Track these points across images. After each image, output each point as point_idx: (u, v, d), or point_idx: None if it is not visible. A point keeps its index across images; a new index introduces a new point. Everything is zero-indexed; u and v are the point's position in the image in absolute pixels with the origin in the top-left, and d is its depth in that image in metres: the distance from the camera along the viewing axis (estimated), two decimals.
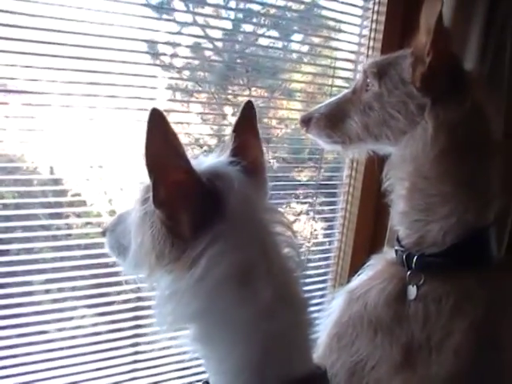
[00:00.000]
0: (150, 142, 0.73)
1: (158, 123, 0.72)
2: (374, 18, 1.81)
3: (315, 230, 1.99)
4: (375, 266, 1.31)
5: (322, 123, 1.35)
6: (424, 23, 1.13)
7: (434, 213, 1.17)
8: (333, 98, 1.40)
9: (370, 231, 1.71)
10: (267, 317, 0.76)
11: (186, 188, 0.76)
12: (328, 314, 1.32)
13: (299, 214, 2.03)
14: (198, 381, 1.66)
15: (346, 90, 1.39)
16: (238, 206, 0.79)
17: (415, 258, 1.19)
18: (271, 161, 1.92)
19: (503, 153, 1.24)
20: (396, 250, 1.26)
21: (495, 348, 1.16)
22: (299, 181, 2.00)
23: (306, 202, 1.99)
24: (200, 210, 0.77)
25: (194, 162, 0.79)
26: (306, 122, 1.37)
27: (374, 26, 1.81)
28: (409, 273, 1.20)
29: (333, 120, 1.34)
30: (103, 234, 1.01)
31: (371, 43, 1.82)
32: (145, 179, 0.81)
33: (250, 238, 0.80)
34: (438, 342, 1.13)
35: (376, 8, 1.80)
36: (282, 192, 1.85)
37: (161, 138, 0.73)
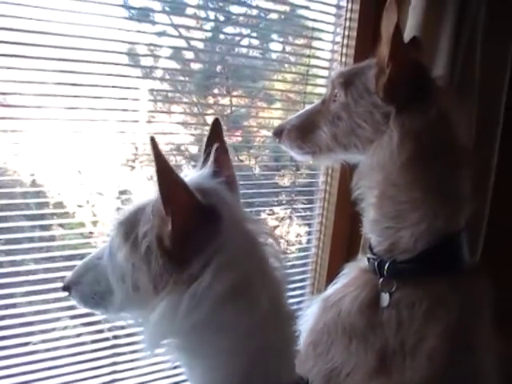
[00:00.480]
0: (161, 173, 0.73)
1: (161, 153, 0.72)
2: (347, 24, 1.82)
3: (298, 235, 2.00)
4: (349, 274, 1.32)
5: (293, 135, 1.37)
6: (384, 34, 1.15)
7: (405, 220, 1.18)
8: (303, 110, 1.42)
9: (346, 237, 1.72)
10: (263, 327, 0.78)
11: (193, 212, 0.76)
12: (303, 321, 1.33)
13: (282, 219, 2.04)
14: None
15: (316, 101, 1.41)
16: (231, 219, 0.80)
17: (387, 265, 1.21)
18: (253, 166, 1.94)
19: (472, 158, 1.26)
20: (368, 258, 1.27)
21: (469, 352, 1.17)
22: (281, 186, 2.00)
23: (285, 208, 1.99)
24: (203, 230, 0.77)
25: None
26: (278, 133, 1.39)
27: (347, 32, 1.82)
28: (381, 280, 1.21)
29: (303, 131, 1.36)
30: (67, 289, 0.95)
31: (344, 50, 1.83)
32: (115, 217, 0.82)
33: (244, 250, 0.81)
34: (411, 348, 1.14)
35: (348, 15, 1.81)
36: (261, 199, 1.86)
37: (168, 166, 0.73)
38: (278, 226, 2.00)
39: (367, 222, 1.28)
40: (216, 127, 0.95)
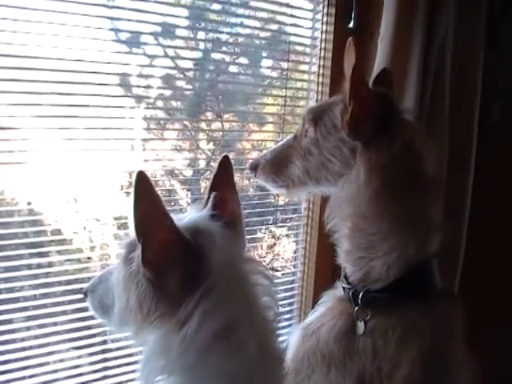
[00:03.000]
0: (137, 205, 0.77)
1: (144, 186, 0.76)
2: (322, 54, 1.87)
3: (294, 256, 2.05)
4: (326, 303, 1.36)
5: (267, 169, 1.42)
6: (346, 73, 1.20)
7: (376, 250, 1.23)
8: (277, 145, 1.47)
9: (330, 262, 1.74)
10: (249, 369, 0.81)
11: (173, 247, 0.80)
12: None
13: (278, 238, 2.09)
14: None
15: (288, 137, 1.46)
16: (221, 260, 0.83)
17: (361, 294, 1.25)
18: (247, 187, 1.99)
19: (441, 187, 1.31)
20: (343, 287, 1.31)
21: (442, 375, 1.22)
22: (275, 206, 2.03)
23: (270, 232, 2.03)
24: (186, 267, 0.81)
25: (176, 219, 0.83)
26: (254, 168, 1.44)
27: (321, 62, 1.87)
28: (356, 309, 1.25)
29: (277, 166, 1.41)
30: (85, 295, 1.03)
31: (320, 79, 1.88)
32: (125, 237, 0.85)
33: (234, 291, 0.84)
34: (387, 373, 1.18)
35: (323, 45, 1.87)
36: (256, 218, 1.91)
37: (148, 201, 0.77)
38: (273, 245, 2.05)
39: (341, 252, 1.32)
40: (224, 163, 0.97)
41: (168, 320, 0.81)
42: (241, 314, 0.83)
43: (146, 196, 0.77)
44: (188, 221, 0.88)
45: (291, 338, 1.36)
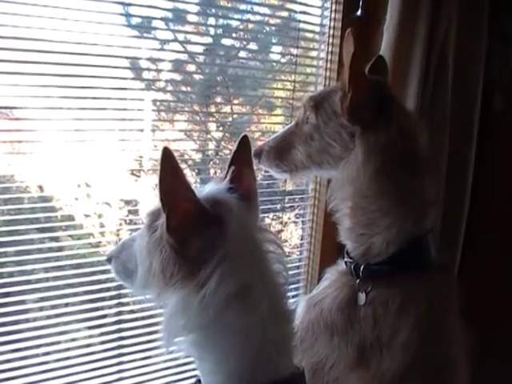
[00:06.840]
0: (163, 179, 0.84)
1: (169, 161, 0.83)
2: (330, 41, 1.93)
3: (301, 235, 2.12)
4: (330, 277, 1.45)
5: (271, 156, 1.49)
6: (345, 62, 1.26)
7: (376, 226, 1.31)
8: (279, 132, 1.54)
9: (335, 241, 1.81)
10: (262, 327, 0.89)
11: (194, 216, 0.87)
12: None
13: (286, 224, 2.16)
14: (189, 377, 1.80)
15: (290, 124, 1.53)
16: (237, 228, 0.90)
17: (362, 267, 1.33)
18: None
19: (434, 165, 1.38)
20: (345, 262, 1.39)
21: (439, 342, 1.30)
22: (284, 192, 2.07)
23: (278, 215, 2.11)
24: (205, 234, 0.88)
25: (197, 191, 0.90)
26: (258, 155, 1.50)
27: (330, 49, 1.93)
28: (358, 281, 1.34)
29: (280, 152, 1.48)
30: (108, 260, 1.11)
31: (328, 65, 1.94)
32: (149, 206, 0.94)
33: (248, 257, 0.91)
34: (387, 341, 1.26)
35: (331, 32, 1.93)
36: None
37: (172, 175, 0.84)
38: (282, 231, 2.11)
39: (343, 230, 1.40)
40: (243, 142, 1.02)
41: (188, 282, 0.88)
42: (254, 277, 0.90)
43: (171, 171, 0.84)
44: (208, 192, 0.95)
45: (297, 309, 1.43)
